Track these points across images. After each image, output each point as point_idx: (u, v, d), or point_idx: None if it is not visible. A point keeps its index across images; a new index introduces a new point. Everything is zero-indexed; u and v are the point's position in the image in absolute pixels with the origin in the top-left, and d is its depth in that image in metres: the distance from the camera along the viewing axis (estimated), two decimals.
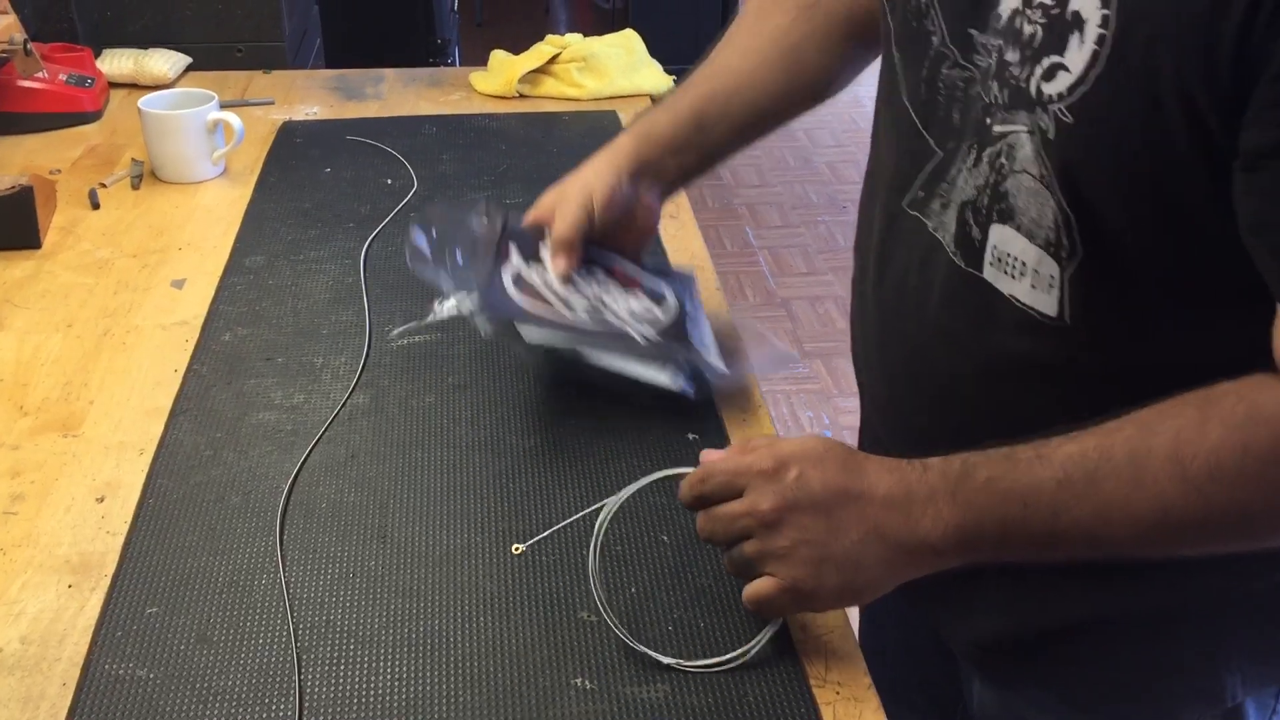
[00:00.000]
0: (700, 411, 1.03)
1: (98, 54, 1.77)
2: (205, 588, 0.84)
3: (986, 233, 0.76)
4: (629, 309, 1.00)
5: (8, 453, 0.98)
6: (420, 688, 0.77)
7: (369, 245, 1.31)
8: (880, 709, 0.77)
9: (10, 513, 0.92)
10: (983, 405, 0.81)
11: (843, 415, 2.79)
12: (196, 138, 1.45)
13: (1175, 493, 0.67)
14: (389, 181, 1.47)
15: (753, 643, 0.79)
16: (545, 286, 0.99)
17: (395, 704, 0.76)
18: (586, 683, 0.77)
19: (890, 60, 0.85)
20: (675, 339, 1.00)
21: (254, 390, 1.06)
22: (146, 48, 1.81)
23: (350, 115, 1.69)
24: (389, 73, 1.87)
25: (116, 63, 1.75)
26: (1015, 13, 0.71)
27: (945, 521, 0.72)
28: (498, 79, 1.77)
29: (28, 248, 1.30)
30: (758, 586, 0.74)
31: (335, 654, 0.79)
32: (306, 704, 0.75)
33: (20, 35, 1.46)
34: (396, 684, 0.77)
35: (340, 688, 0.77)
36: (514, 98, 1.76)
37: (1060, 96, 0.68)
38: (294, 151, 1.55)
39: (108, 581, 0.85)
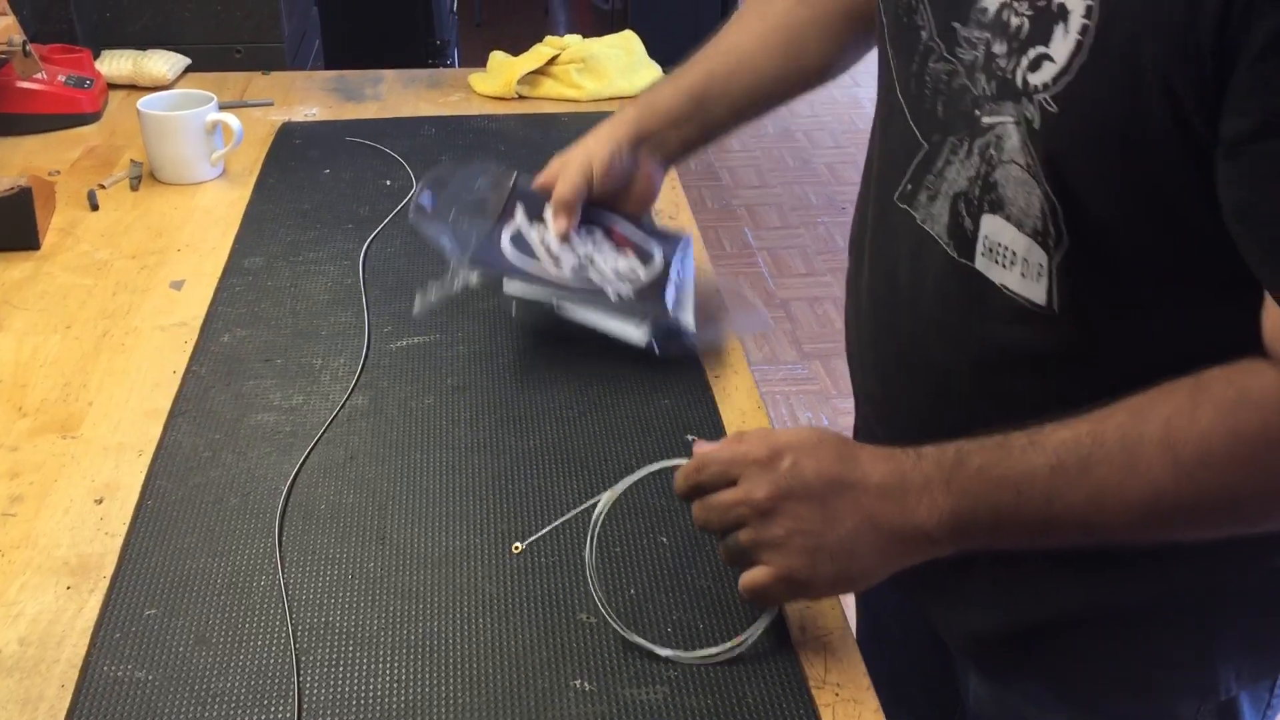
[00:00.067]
0: (700, 411, 1.03)
1: (96, 55, 1.77)
2: (204, 589, 0.84)
3: (978, 223, 0.77)
4: (614, 268, 1.08)
5: (6, 454, 0.98)
6: (419, 689, 0.77)
7: (368, 246, 1.31)
8: (879, 710, 0.77)
9: (9, 514, 0.92)
10: (977, 397, 0.82)
11: (842, 416, 2.79)
12: (195, 139, 1.45)
13: (1167, 477, 0.68)
14: (388, 183, 1.47)
15: (748, 632, 0.79)
16: (541, 244, 1.08)
17: (394, 705, 0.76)
18: (585, 684, 0.77)
19: (885, 56, 0.86)
20: (649, 298, 1.07)
21: (253, 392, 1.06)
22: (145, 49, 1.81)
23: (349, 116, 1.69)
24: (388, 74, 1.87)
25: (115, 64, 1.75)
26: (1003, 6, 0.72)
27: (939, 509, 0.72)
28: (497, 80, 1.77)
29: (27, 249, 1.29)
30: (753, 575, 0.75)
31: (334, 656, 0.79)
32: (305, 706, 0.75)
33: (19, 36, 1.46)
34: (395, 685, 0.77)
35: (339, 689, 0.77)
36: (513, 99, 1.76)
37: (1045, 86, 0.69)
38: (293, 153, 1.55)
39: (106, 583, 0.85)
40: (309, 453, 0.98)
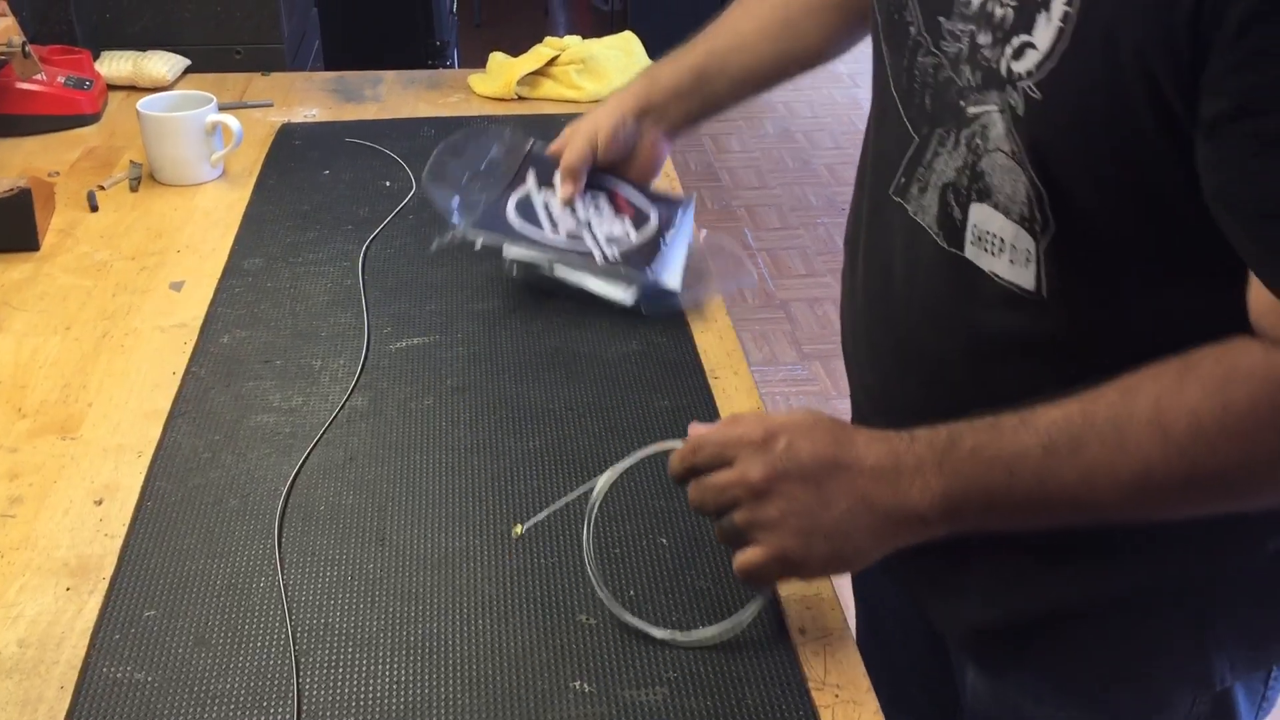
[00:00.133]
0: (700, 412, 1.03)
1: (96, 56, 1.77)
2: (203, 590, 0.84)
3: (967, 212, 0.78)
4: (608, 232, 1.17)
5: (6, 455, 0.98)
6: (419, 691, 0.77)
7: (367, 247, 1.31)
8: (879, 712, 0.77)
9: (8, 515, 0.92)
10: (971, 386, 0.82)
11: (842, 417, 2.78)
12: (195, 140, 1.45)
13: (1158, 454, 0.68)
14: (388, 184, 1.47)
15: (743, 611, 0.79)
16: (544, 208, 1.18)
17: (393, 707, 0.76)
18: (585, 686, 0.77)
19: (879, 53, 0.88)
20: (636, 261, 1.16)
21: (252, 393, 1.06)
22: (145, 50, 1.81)
23: (349, 117, 1.69)
24: (388, 75, 1.87)
25: (115, 65, 1.75)
26: None
27: (933, 491, 0.73)
28: (496, 81, 1.77)
29: (26, 250, 1.29)
30: (748, 555, 0.76)
31: (333, 657, 0.79)
32: (305, 707, 0.75)
33: (19, 37, 1.46)
34: (395, 687, 0.77)
35: (338, 691, 0.77)
36: (513, 100, 1.75)
37: (1029, 74, 0.70)
38: (292, 154, 1.55)
39: (106, 584, 0.85)
40: (308, 454, 0.98)
